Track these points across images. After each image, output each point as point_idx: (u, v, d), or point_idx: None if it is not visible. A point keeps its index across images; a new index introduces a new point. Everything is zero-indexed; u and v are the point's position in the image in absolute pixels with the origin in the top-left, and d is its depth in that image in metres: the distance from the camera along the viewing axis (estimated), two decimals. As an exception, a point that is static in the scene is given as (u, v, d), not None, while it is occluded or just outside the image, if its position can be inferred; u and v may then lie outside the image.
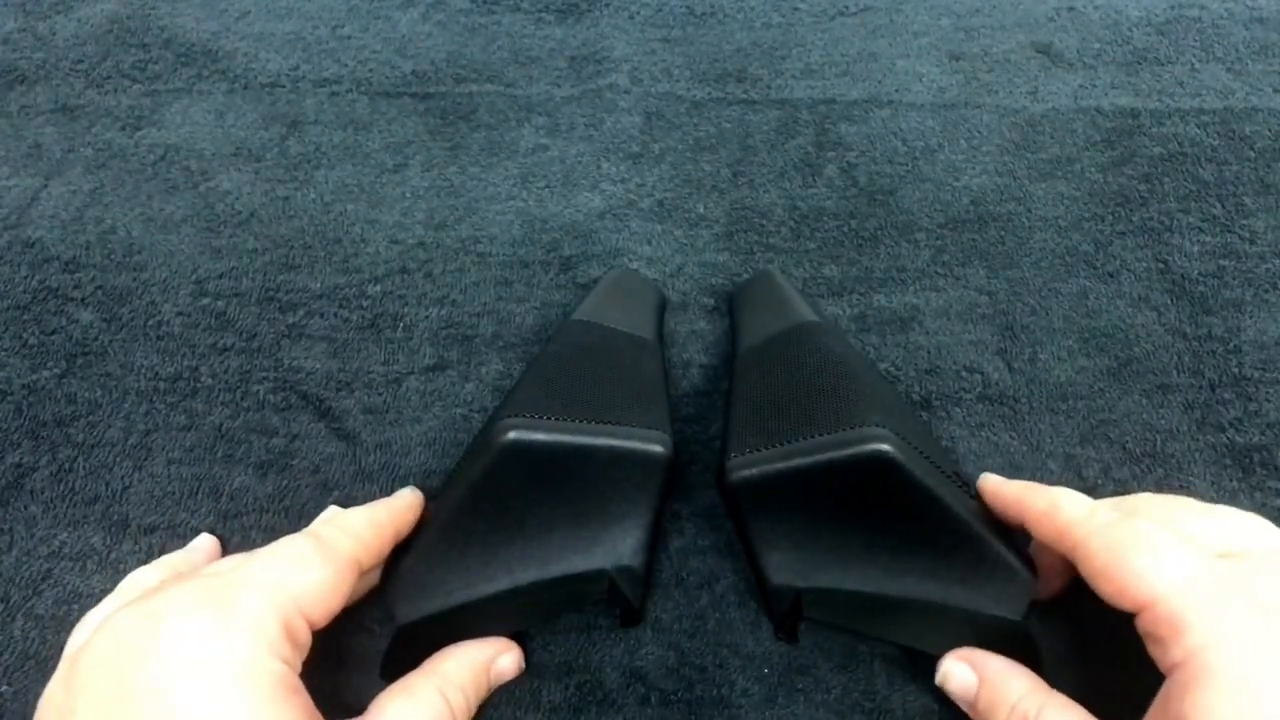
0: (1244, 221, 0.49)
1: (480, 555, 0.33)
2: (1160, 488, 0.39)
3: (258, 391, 0.43)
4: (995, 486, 0.33)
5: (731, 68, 0.59)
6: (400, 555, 0.34)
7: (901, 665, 0.34)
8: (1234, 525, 0.29)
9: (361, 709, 0.29)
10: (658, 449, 0.33)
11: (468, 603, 0.33)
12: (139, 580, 0.32)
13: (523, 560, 0.34)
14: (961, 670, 0.31)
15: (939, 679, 0.31)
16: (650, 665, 0.35)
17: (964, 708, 0.31)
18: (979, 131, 0.54)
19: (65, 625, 0.36)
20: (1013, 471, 0.40)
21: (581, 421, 0.33)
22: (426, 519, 0.35)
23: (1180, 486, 0.39)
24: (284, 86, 0.58)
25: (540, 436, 0.32)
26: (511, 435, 0.32)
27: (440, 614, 0.33)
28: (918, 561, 0.32)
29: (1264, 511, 0.38)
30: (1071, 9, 0.62)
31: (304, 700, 0.26)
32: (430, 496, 0.37)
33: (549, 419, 0.33)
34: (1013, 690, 0.29)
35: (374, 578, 0.34)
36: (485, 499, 0.33)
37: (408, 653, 0.32)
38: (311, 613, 0.28)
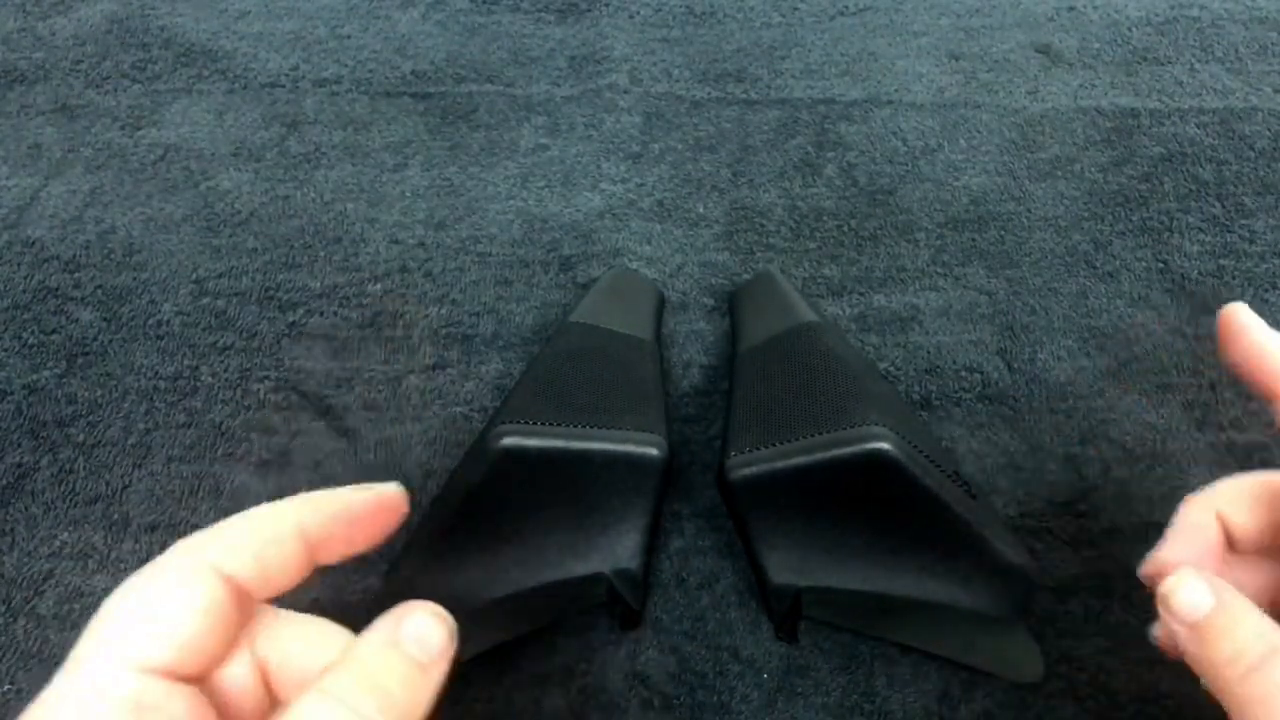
0: (1244, 221, 0.49)
1: (479, 561, 0.33)
2: (1160, 487, 0.39)
3: (258, 390, 0.43)
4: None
5: (731, 68, 0.59)
6: (401, 563, 0.34)
7: (901, 665, 0.34)
8: None
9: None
10: (653, 451, 0.33)
11: (467, 609, 0.33)
12: None
13: (521, 565, 0.34)
14: (1197, 588, 0.24)
15: (1163, 590, 0.25)
16: (652, 669, 0.35)
17: (1175, 628, 0.25)
18: (979, 131, 0.54)
19: (67, 625, 0.36)
20: (1013, 471, 0.40)
21: (577, 426, 0.33)
22: (425, 525, 0.35)
23: (1181, 486, 0.39)
24: (284, 86, 0.58)
25: (535, 442, 0.32)
26: (507, 441, 0.32)
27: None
28: (918, 561, 0.32)
29: (1264, 511, 0.38)
30: (1071, 9, 0.62)
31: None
32: (429, 498, 0.37)
33: (544, 424, 0.33)
34: (1249, 625, 0.23)
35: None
36: (483, 505, 0.33)
37: None
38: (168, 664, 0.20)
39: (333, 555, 0.26)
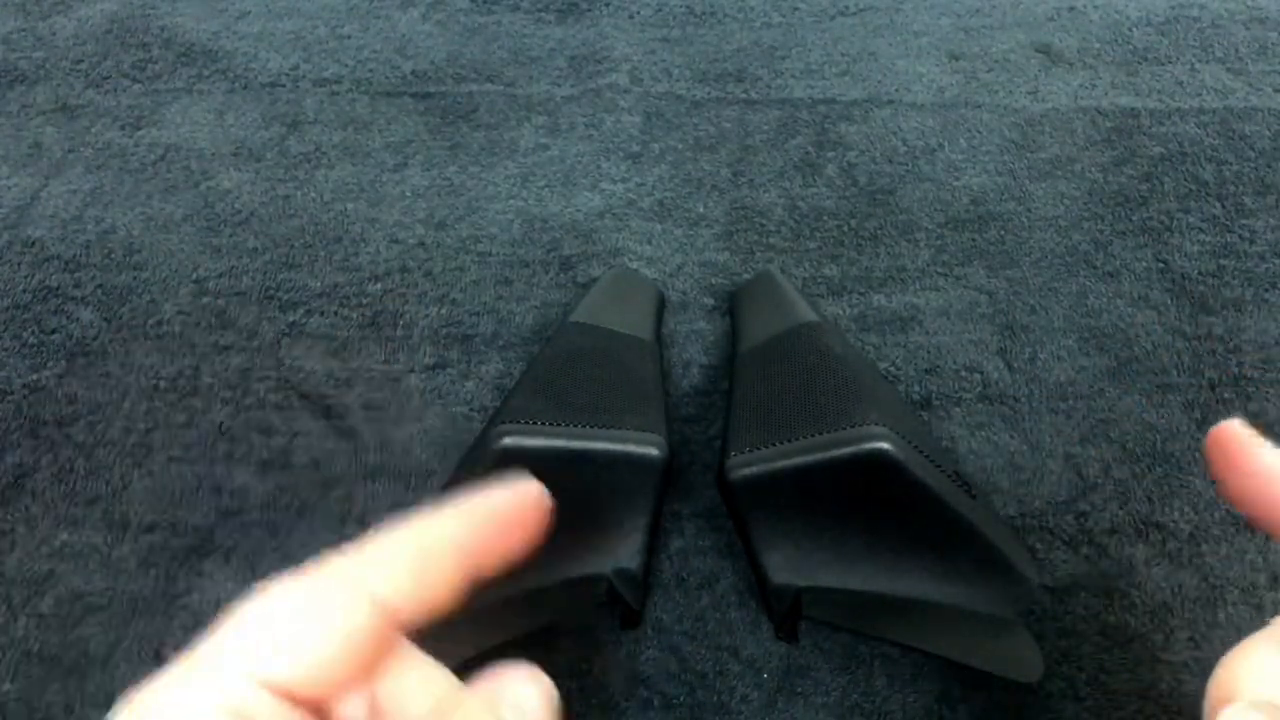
0: (1244, 221, 0.49)
1: None
2: (1160, 487, 0.39)
3: (258, 390, 0.43)
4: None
5: (731, 68, 0.59)
6: None
7: (901, 665, 0.34)
8: None
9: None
10: (653, 451, 0.33)
11: (468, 610, 0.33)
12: None
13: (521, 566, 0.34)
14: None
15: None
16: (652, 669, 0.35)
17: None
18: (979, 131, 0.54)
19: (67, 624, 0.36)
20: (1013, 471, 0.40)
21: (577, 426, 0.33)
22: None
23: (1181, 486, 0.39)
24: (284, 86, 0.58)
25: (535, 442, 0.32)
26: (506, 442, 0.32)
27: (441, 621, 0.33)
28: (918, 561, 0.32)
29: (1264, 511, 0.38)
30: (1071, 9, 0.62)
31: None
32: (429, 499, 0.37)
33: (544, 424, 0.33)
34: None
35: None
36: None
37: None
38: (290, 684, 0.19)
39: (490, 567, 0.24)
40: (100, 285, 0.47)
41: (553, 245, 0.49)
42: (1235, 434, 0.23)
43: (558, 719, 0.22)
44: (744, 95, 0.57)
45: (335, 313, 0.46)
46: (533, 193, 0.52)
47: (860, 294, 0.46)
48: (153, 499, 0.39)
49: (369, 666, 0.20)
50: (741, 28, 0.62)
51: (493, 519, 0.24)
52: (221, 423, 0.42)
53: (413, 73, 0.59)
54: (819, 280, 0.47)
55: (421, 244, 0.49)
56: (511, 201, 0.51)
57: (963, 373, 0.43)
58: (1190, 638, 0.35)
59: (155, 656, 0.35)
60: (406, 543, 0.22)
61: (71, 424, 0.42)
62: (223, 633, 0.19)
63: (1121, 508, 0.39)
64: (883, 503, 0.32)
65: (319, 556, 0.20)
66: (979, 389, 0.43)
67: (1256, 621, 0.35)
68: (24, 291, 0.47)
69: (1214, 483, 0.23)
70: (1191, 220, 0.49)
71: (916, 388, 0.43)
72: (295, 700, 0.19)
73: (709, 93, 0.57)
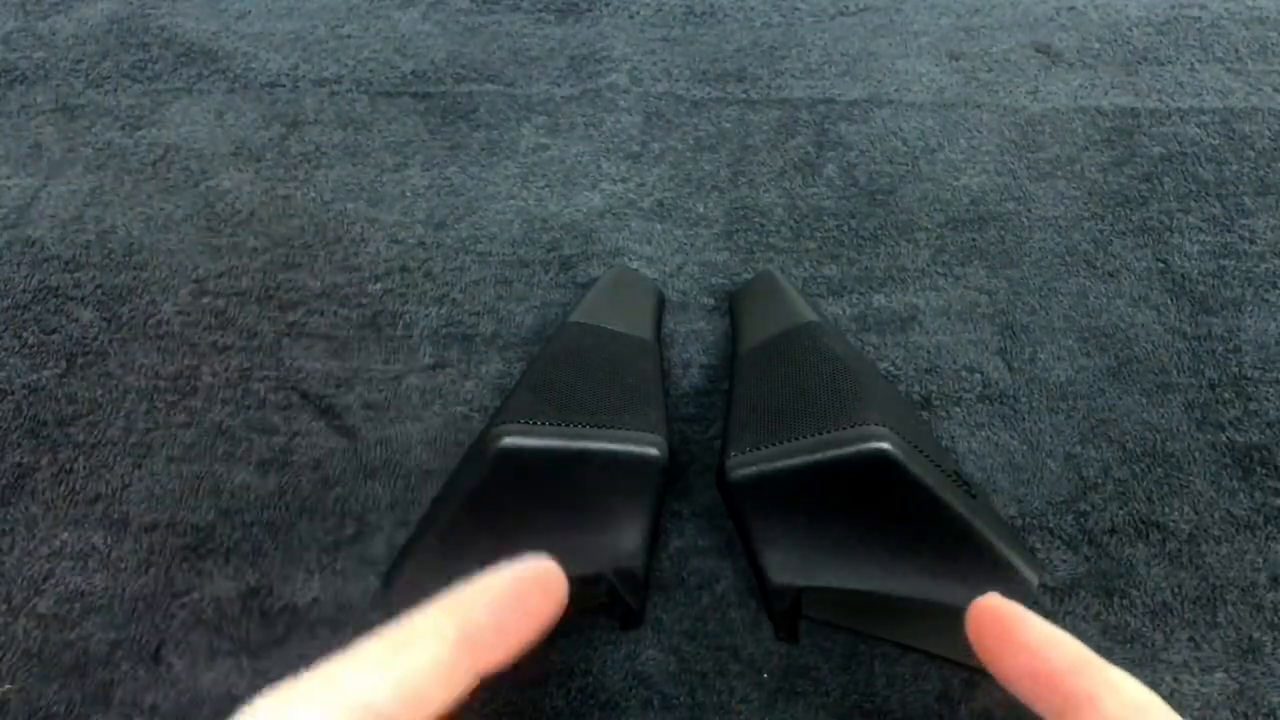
0: (1244, 221, 0.49)
1: (479, 561, 0.33)
2: (1160, 487, 0.39)
3: (258, 390, 0.43)
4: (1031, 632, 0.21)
5: (731, 68, 0.59)
6: (400, 564, 0.34)
7: (901, 665, 0.34)
8: None
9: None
10: (653, 452, 0.33)
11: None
12: None
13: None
14: None
15: None
16: (652, 669, 0.35)
17: None
18: (979, 131, 0.54)
19: (67, 624, 0.36)
20: (1013, 471, 0.40)
21: (576, 426, 0.33)
22: (425, 525, 0.35)
23: (1181, 486, 0.39)
24: (284, 86, 0.58)
25: (534, 442, 0.32)
26: (506, 441, 0.32)
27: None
28: (918, 560, 0.32)
29: (1264, 511, 0.38)
30: (1071, 9, 0.62)
31: None
32: (429, 498, 0.37)
33: (544, 424, 0.33)
34: None
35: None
36: (482, 506, 0.33)
37: None
38: None
39: (496, 657, 0.22)
40: (100, 285, 0.47)
41: (553, 245, 0.49)
42: (999, 607, 0.21)
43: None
44: (744, 95, 0.57)
45: (335, 313, 0.46)
46: (533, 193, 0.52)
47: (860, 294, 0.46)
48: (153, 499, 0.39)
49: None
50: (741, 28, 0.62)
51: (492, 604, 0.22)
52: (221, 423, 0.42)
53: (413, 73, 0.59)
54: (819, 280, 0.47)
55: (421, 244, 0.49)
56: (511, 201, 0.51)
57: (963, 373, 0.43)
58: (1190, 638, 0.35)
59: (155, 657, 0.35)
60: (394, 646, 0.21)
61: (71, 424, 0.42)
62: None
63: (1121, 508, 0.39)
64: (883, 503, 0.32)
65: (307, 668, 0.20)
66: (979, 389, 0.43)
67: (1257, 621, 0.35)
68: (24, 291, 0.47)
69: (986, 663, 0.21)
70: (1191, 220, 0.49)
71: (916, 388, 0.43)
72: None
73: (709, 93, 0.57)
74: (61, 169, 0.53)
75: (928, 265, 0.48)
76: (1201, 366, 0.43)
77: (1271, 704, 0.33)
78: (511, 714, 0.34)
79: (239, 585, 0.37)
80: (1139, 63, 0.58)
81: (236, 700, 0.18)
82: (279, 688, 0.19)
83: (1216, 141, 0.53)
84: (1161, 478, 0.39)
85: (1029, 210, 0.50)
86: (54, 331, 0.45)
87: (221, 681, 0.34)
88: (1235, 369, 0.43)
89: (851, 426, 0.32)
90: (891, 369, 0.43)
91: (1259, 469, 0.40)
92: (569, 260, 0.48)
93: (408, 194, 0.52)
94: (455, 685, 0.21)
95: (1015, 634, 0.21)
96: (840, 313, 0.46)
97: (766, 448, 0.33)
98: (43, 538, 0.38)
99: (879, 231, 0.49)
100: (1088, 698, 0.19)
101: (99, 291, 0.47)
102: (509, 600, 0.23)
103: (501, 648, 0.22)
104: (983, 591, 0.32)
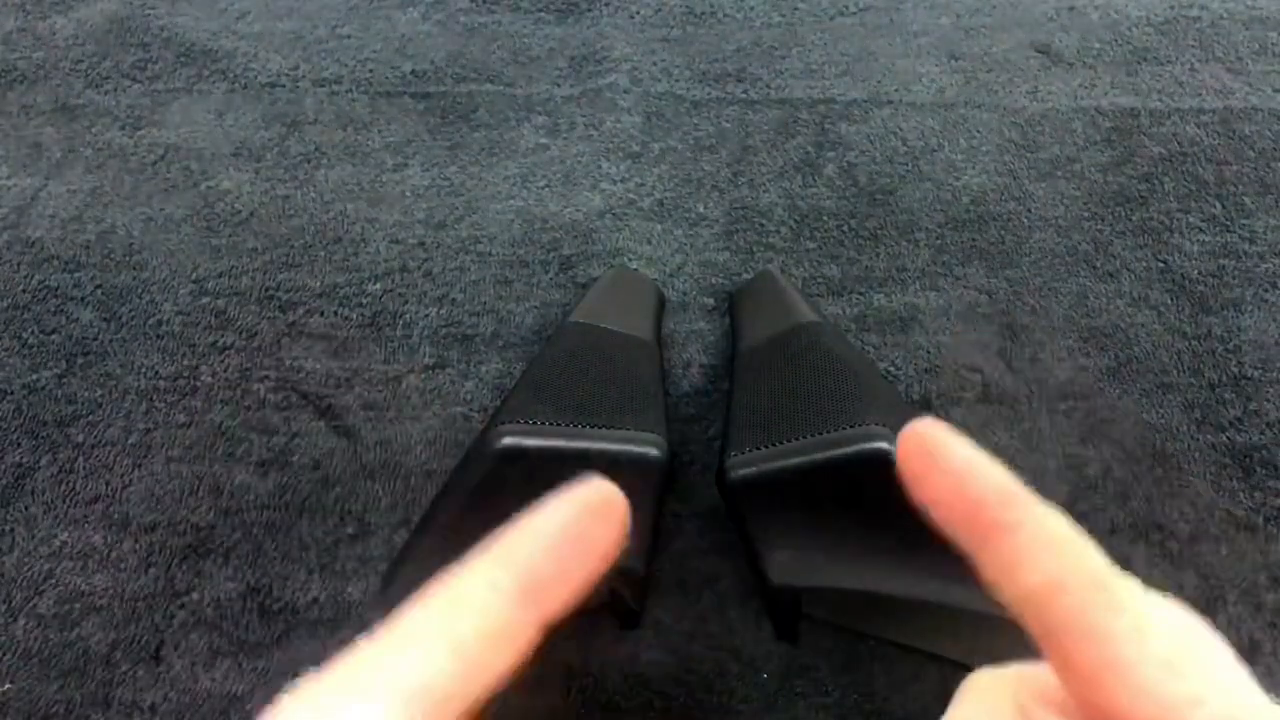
0: (1244, 221, 0.49)
1: None
2: (1160, 487, 0.39)
3: (258, 390, 0.43)
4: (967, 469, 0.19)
5: (731, 68, 0.59)
6: (400, 563, 0.34)
7: (901, 665, 0.34)
8: None
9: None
10: (653, 451, 0.33)
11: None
12: None
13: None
14: None
15: None
16: (652, 669, 0.35)
17: None
18: (979, 131, 0.54)
19: (67, 624, 0.36)
20: (1013, 471, 0.40)
21: (576, 426, 0.33)
22: (425, 525, 0.35)
23: (1181, 486, 0.39)
24: (284, 86, 0.58)
25: (534, 442, 0.32)
26: (505, 441, 0.32)
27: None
28: (917, 560, 0.32)
29: (1264, 511, 0.38)
30: (1071, 9, 0.62)
31: None
32: (429, 499, 0.37)
33: (544, 424, 0.33)
34: None
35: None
36: (482, 506, 0.33)
37: None
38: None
39: (560, 603, 0.19)
40: (100, 285, 0.47)
41: (553, 245, 0.49)
42: (929, 430, 0.20)
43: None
44: (744, 95, 0.57)
45: (335, 313, 0.46)
46: (533, 193, 0.52)
47: (860, 294, 0.46)
48: (153, 499, 0.39)
49: None
50: (741, 28, 0.62)
51: (552, 545, 0.20)
52: (221, 423, 0.42)
53: (413, 73, 0.59)
54: (819, 280, 0.47)
55: (421, 244, 0.49)
56: (511, 201, 0.51)
57: (963, 373, 0.43)
58: (1190, 638, 0.35)
59: (155, 657, 0.35)
60: (443, 612, 0.18)
61: (71, 424, 0.42)
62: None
63: (1121, 508, 0.39)
64: (883, 503, 0.32)
65: (348, 647, 0.17)
66: (979, 389, 0.43)
67: (1257, 621, 0.35)
68: (24, 291, 0.47)
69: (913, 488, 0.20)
70: (1191, 220, 0.49)
71: (916, 388, 0.43)
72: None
73: (709, 93, 0.57)
74: (61, 169, 0.53)
75: (928, 265, 0.48)
76: (1201, 366, 0.43)
77: (1271, 704, 0.33)
78: (512, 714, 0.34)
79: (239, 585, 0.37)
80: (1139, 63, 0.58)
81: (236, 700, 0.18)
82: (313, 680, 0.17)
83: (1216, 141, 0.53)
84: (1161, 478, 0.39)
85: (1029, 210, 0.50)
86: (54, 331, 0.45)
87: (221, 681, 0.34)
88: (1235, 369, 0.43)
89: (851, 426, 0.32)
90: (891, 369, 0.43)
91: (1259, 469, 0.40)
92: (569, 260, 0.48)
93: (408, 194, 0.51)
94: (519, 643, 0.18)
95: (941, 456, 0.20)
96: (840, 313, 0.46)
97: (766, 448, 0.33)
98: (43, 538, 0.38)
99: (879, 231, 0.49)
100: (1007, 525, 0.18)
101: (99, 291, 0.47)
102: (569, 538, 0.20)
103: (565, 592, 0.19)
104: (982, 591, 0.32)
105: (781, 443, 0.32)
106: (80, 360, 0.44)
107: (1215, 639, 0.17)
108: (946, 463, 0.20)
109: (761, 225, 0.50)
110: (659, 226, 0.50)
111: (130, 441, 0.41)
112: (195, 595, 0.36)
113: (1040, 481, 0.39)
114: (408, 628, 0.18)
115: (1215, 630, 0.18)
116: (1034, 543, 0.18)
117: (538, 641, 0.19)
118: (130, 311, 0.46)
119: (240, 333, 0.45)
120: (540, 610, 0.19)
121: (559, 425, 0.33)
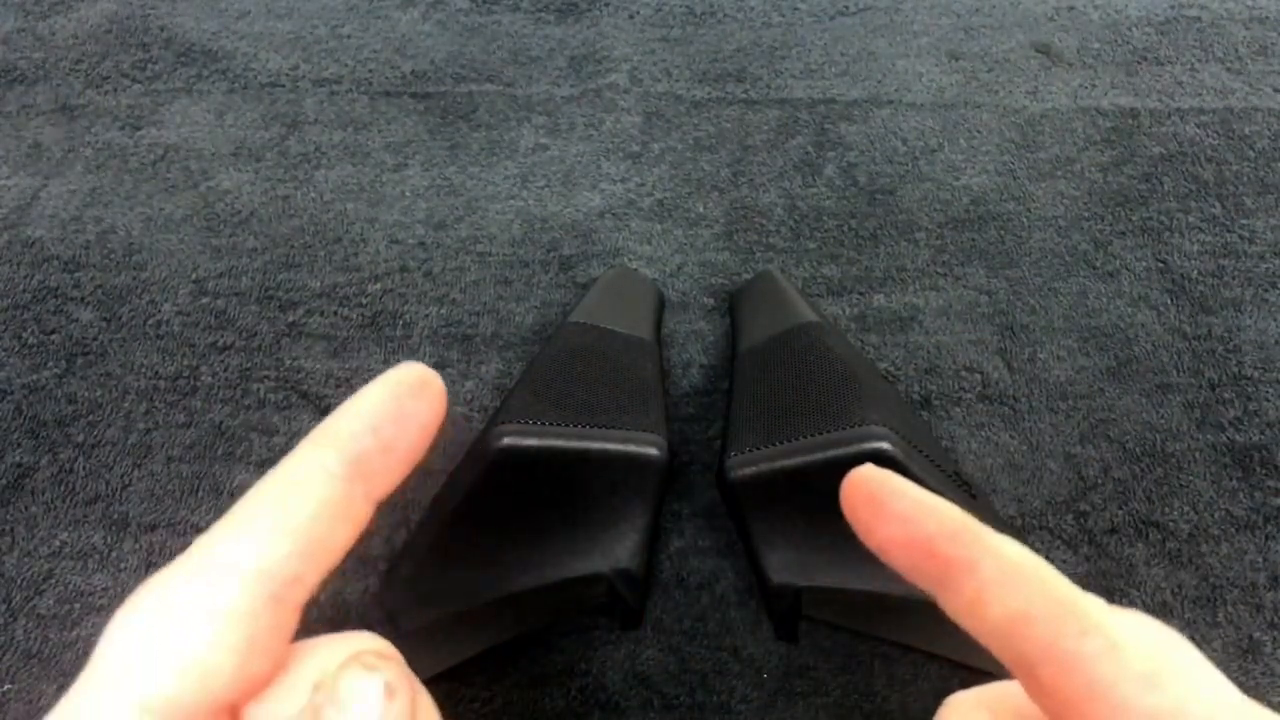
0: (1244, 221, 0.49)
1: (478, 562, 0.33)
2: (1160, 487, 0.39)
3: (258, 390, 0.43)
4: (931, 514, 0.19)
5: (731, 68, 0.59)
6: (400, 563, 0.34)
7: (901, 665, 0.34)
8: None
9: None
10: (653, 452, 0.33)
11: (467, 610, 0.33)
12: None
13: (521, 566, 0.34)
14: None
15: None
16: (652, 669, 0.35)
17: None
18: (979, 131, 0.54)
19: (67, 624, 0.36)
20: (1013, 471, 0.40)
21: (576, 426, 0.33)
22: (425, 525, 0.35)
23: (1181, 486, 0.39)
24: (284, 86, 0.58)
25: (535, 442, 0.32)
26: (505, 441, 0.32)
27: (440, 621, 0.33)
28: (918, 561, 0.32)
29: (1264, 511, 0.38)
30: (1071, 9, 0.62)
31: None
32: (429, 498, 0.37)
33: (544, 424, 0.33)
34: None
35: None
36: (482, 506, 0.33)
37: (409, 661, 0.32)
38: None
39: (390, 479, 0.20)
40: (100, 285, 0.47)
41: (553, 245, 0.49)
42: (871, 478, 0.20)
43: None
44: (744, 95, 0.57)
45: (335, 313, 0.46)
46: (533, 193, 0.52)
47: (860, 294, 0.46)
48: (153, 499, 0.39)
49: (273, 646, 0.17)
50: (741, 28, 0.62)
51: (374, 424, 0.20)
52: (221, 423, 0.42)
53: (413, 73, 0.59)
54: (819, 280, 0.47)
55: (421, 244, 0.49)
56: (511, 201, 0.51)
57: (963, 373, 0.43)
58: (1190, 638, 0.35)
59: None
60: (274, 494, 0.19)
61: (71, 424, 0.42)
62: (97, 659, 0.16)
63: (1121, 508, 0.39)
64: (883, 502, 0.32)
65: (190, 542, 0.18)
66: (979, 389, 0.43)
67: (1257, 621, 0.35)
68: (24, 291, 0.47)
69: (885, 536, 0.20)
70: (1191, 220, 0.49)
71: (916, 388, 0.43)
72: (201, 712, 0.16)
73: (709, 93, 0.57)
74: (61, 169, 0.53)
75: (928, 265, 0.48)
76: (1201, 366, 0.43)
77: (1272, 704, 0.33)
78: (512, 714, 0.34)
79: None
80: (1139, 63, 0.58)
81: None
82: (160, 572, 0.17)
83: (1216, 141, 0.53)
84: (1161, 478, 0.39)
85: (1029, 210, 0.50)
86: (54, 331, 0.45)
87: (221, 681, 0.34)
88: (1235, 369, 0.43)
89: (851, 426, 0.32)
90: (891, 369, 0.43)
91: (1259, 469, 0.40)
92: (569, 260, 0.48)
93: (408, 194, 0.51)
94: (354, 521, 0.19)
95: (887, 504, 0.20)
96: (840, 313, 0.46)
97: (767, 447, 0.33)
98: (43, 538, 0.38)
99: (879, 231, 0.49)
100: (965, 563, 0.18)
101: (99, 291, 0.47)
102: (388, 414, 0.20)
103: (393, 467, 0.20)
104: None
105: (782, 442, 0.32)
106: (80, 360, 0.44)
107: (1189, 646, 0.18)
108: (893, 507, 0.20)
109: (761, 225, 0.50)
110: (659, 226, 0.50)
111: (130, 441, 0.41)
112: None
113: (1040, 481, 0.39)
114: (242, 515, 0.19)
115: (1215, 630, 0.17)
116: (995, 576, 0.18)
117: (370, 517, 0.20)
118: (130, 311, 0.46)
119: (240, 333, 0.45)
120: (370, 486, 0.20)
121: (559, 425, 0.33)
